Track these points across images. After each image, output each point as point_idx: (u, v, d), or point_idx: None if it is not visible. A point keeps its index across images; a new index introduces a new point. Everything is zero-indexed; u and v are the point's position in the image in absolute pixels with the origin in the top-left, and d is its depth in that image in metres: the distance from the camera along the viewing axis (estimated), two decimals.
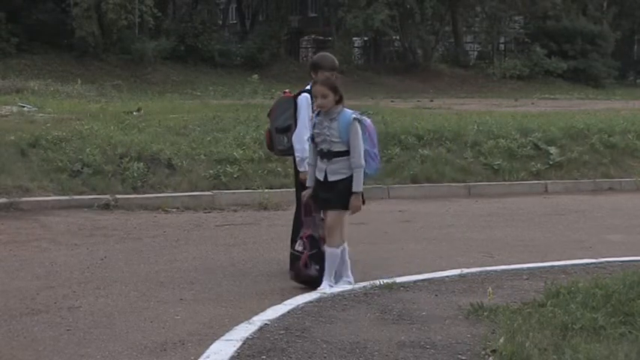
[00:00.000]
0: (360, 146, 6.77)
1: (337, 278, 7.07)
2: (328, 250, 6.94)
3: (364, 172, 6.88)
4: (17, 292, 6.95)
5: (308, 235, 7.12)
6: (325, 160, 6.84)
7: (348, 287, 6.81)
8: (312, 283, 6.99)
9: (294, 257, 7.19)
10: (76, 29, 37.58)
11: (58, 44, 38.56)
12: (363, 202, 6.96)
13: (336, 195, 6.81)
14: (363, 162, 6.80)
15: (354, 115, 6.82)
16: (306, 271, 7.05)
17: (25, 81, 27.64)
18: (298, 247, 7.14)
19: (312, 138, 6.96)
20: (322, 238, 7.69)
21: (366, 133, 6.85)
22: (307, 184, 7.04)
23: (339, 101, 6.81)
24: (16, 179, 11.85)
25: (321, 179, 6.88)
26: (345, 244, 7.08)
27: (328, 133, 6.78)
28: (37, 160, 12.62)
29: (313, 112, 7.08)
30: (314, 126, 6.93)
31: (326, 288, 6.82)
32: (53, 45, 38.51)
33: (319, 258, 7.02)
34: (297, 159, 7.68)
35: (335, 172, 6.82)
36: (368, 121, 6.99)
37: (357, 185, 6.82)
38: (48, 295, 6.89)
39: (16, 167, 12.23)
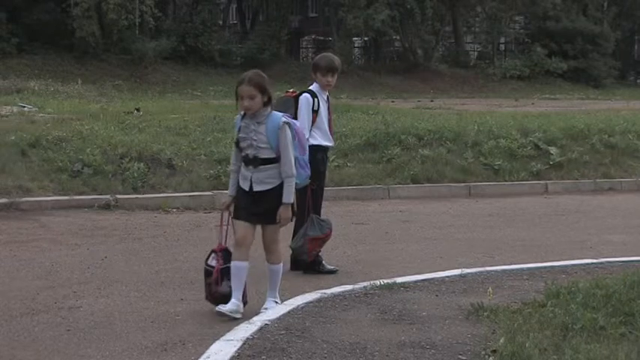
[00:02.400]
0: (291, 153, 6.20)
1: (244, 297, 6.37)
2: (271, 267, 6.41)
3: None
4: (17, 292, 6.95)
5: (222, 249, 6.43)
6: (251, 167, 6.21)
7: (274, 307, 6.31)
8: (223, 301, 6.26)
9: (207, 273, 6.43)
10: (76, 29, 37.56)
11: (59, 44, 38.53)
12: (293, 214, 6.39)
13: (269, 208, 6.18)
14: (294, 171, 6.21)
15: (284, 119, 6.24)
16: (217, 287, 6.31)
17: (25, 81, 27.68)
18: (211, 261, 6.41)
19: (237, 143, 6.34)
20: (318, 239, 7.67)
21: (295, 139, 6.29)
22: (228, 193, 6.45)
23: (267, 102, 6.21)
24: (16, 179, 11.85)
25: (246, 189, 6.24)
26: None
27: (255, 138, 6.18)
28: (38, 160, 12.62)
29: (240, 114, 6.36)
30: (239, 130, 6.31)
31: (272, 305, 6.34)
32: (53, 45, 38.48)
33: (230, 273, 6.31)
34: None
35: (261, 181, 6.20)
36: (297, 124, 6.50)
37: (288, 196, 6.20)
38: (48, 295, 6.89)
39: (17, 167, 12.23)
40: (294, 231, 7.82)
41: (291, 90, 8.16)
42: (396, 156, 14.37)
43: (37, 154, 12.78)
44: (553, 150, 15.28)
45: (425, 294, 6.79)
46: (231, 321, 5.97)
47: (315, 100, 7.73)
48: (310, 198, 7.69)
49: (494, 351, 5.09)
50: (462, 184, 14.01)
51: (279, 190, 6.19)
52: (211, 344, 5.39)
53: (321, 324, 5.85)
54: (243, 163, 6.27)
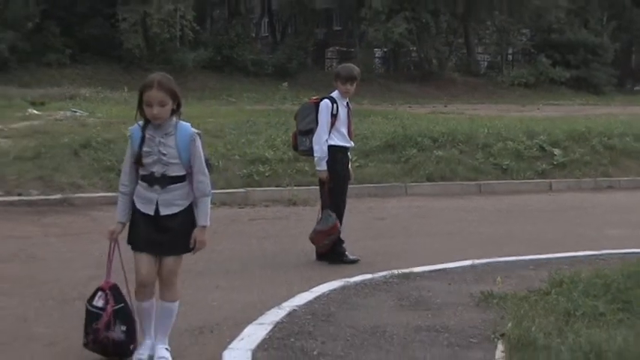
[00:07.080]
0: (206, 168, 5.02)
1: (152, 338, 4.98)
2: (166, 305, 4.99)
3: None
4: (70, 281, 7.00)
5: (111, 286, 5.00)
6: (157, 187, 4.79)
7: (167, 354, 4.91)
8: (118, 351, 4.87)
9: (92, 316, 4.92)
10: (123, 42, 37.79)
11: (108, 55, 38.75)
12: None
13: (176, 235, 4.87)
14: (210, 188, 5.07)
15: (193, 129, 4.93)
16: (107, 333, 4.83)
17: (77, 89, 27.78)
18: (98, 301, 4.94)
19: (138, 159, 4.83)
20: (323, 232, 7.69)
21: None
22: (118, 219, 4.92)
23: (175, 110, 4.83)
24: (69, 177, 11.96)
25: (151, 214, 4.80)
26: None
27: (164, 152, 4.78)
28: (88, 159, 12.71)
29: (138, 124, 4.91)
30: (141, 142, 4.83)
31: (165, 355, 4.89)
32: (103, 56, 38.71)
33: (126, 316, 4.95)
34: (315, 159, 7.79)
35: (170, 203, 4.83)
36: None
37: (206, 217, 4.99)
38: (98, 283, 6.90)
39: (70, 166, 12.34)
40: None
41: (314, 97, 8.23)
42: (412, 156, 14.33)
43: (87, 154, 12.87)
44: (557, 151, 15.18)
45: (439, 283, 6.77)
46: (263, 307, 5.94)
47: (334, 105, 7.79)
48: (327, 195, 7.78)
49: (502, 335, 5.07)
50: (473, 183, 13.95)
51: (186, 213, 4.92)
52: (244, 327, 5.41)
53: (345, 309, 5.84)
54: (145, 184, 4.83)
